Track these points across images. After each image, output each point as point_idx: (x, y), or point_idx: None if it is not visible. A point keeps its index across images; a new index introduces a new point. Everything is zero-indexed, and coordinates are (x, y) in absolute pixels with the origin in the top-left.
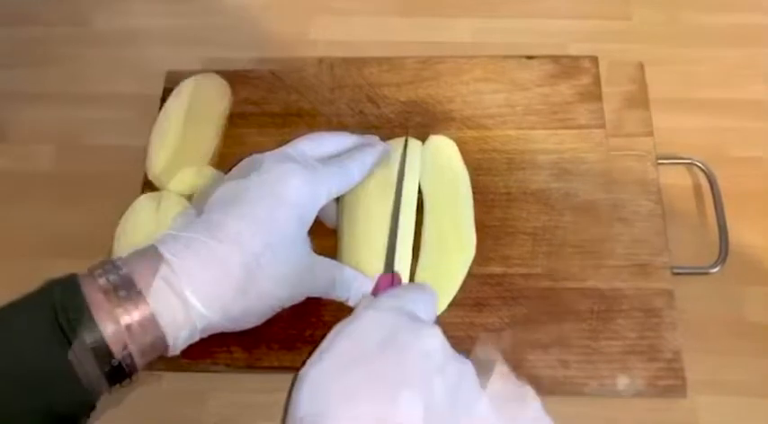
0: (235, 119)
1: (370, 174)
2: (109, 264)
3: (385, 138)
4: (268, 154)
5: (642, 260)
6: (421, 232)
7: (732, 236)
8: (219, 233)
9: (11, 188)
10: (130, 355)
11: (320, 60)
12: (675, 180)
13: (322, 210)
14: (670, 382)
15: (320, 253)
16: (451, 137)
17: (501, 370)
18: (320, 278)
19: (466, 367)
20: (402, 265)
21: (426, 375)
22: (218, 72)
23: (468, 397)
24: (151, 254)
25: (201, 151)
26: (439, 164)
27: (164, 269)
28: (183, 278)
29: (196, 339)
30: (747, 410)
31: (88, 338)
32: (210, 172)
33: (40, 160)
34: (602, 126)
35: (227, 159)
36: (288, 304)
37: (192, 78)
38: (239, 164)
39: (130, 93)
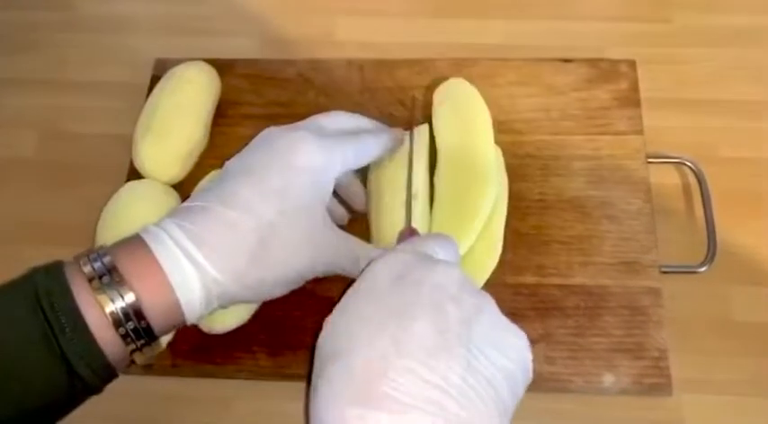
0: (263, 122)
1: (393, 158)
2: (93, 252)
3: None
4: (277, 127)
5: (630, 258)
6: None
7: (720, 236)
8: (232, 201)
9: None
10: (131, 331)
11: (349, 62)
12: (665, 178)
13: (349, 192)
14: (656, 380)
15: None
16: None
17: None
18: (342, 254)
19: (485, 302)
20: (420, 222)
21: (438, 303)
22: (206, 60)
23: (493, 332)
24: (136, 242)
25: (189, 140)
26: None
27: (177, 235)
28: (196, 244)
29: (214, 305)
30: (732, 409)
31: (70, 325)
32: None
33: (22, 147)
34: (641, 132)
35: None
36: (309, 275)
37: (181, 66)
38: (253, 140)
39: (116, 81)
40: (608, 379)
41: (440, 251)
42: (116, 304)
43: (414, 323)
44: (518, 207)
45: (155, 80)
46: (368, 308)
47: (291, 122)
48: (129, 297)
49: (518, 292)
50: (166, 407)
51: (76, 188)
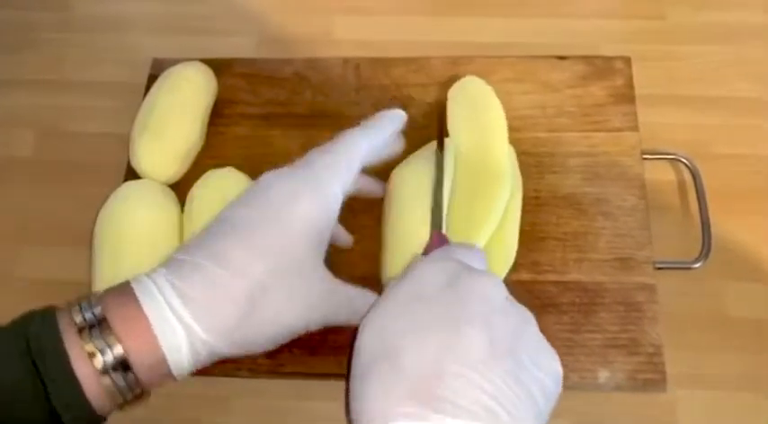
0: (260, 121)
1: (412, 161)
2: (85, 300)
3: (411, 140)
4: (274, 174)
5: (625, 254)
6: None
7: (715, 232)
8: (223, 259)
9: None
10: (117, 384)
11: (345, 61)
12: (660, 175)
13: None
14: (650, 376)
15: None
16: None
17: None
18: (340, 307)
19: (528, 317)
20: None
21: (487, 315)
22: (203, 60)
23: (533, 346)
24: (127, 293)
25: (186, 139)
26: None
27: (167, 291)
28: (185, 302)
29: (205, 363)
30: (727, 405)
31: (58, 374)
32: (234, 174)
33: (20, 146)
34: (636, 129)
35: (253, 161)
36: (304, 331)
37: (178, 66)
38: (247, 188)
39: (114, 81)
40: (603, 375)
41: (474, 262)
42: (104, 357)
43: (466, 331)
44: None
45: (152, 79)
46: (417, 312)
47: (288, 122)
48: (118, 350)
49: (513, 289)
50: (165, 405)
51: (74, 187)
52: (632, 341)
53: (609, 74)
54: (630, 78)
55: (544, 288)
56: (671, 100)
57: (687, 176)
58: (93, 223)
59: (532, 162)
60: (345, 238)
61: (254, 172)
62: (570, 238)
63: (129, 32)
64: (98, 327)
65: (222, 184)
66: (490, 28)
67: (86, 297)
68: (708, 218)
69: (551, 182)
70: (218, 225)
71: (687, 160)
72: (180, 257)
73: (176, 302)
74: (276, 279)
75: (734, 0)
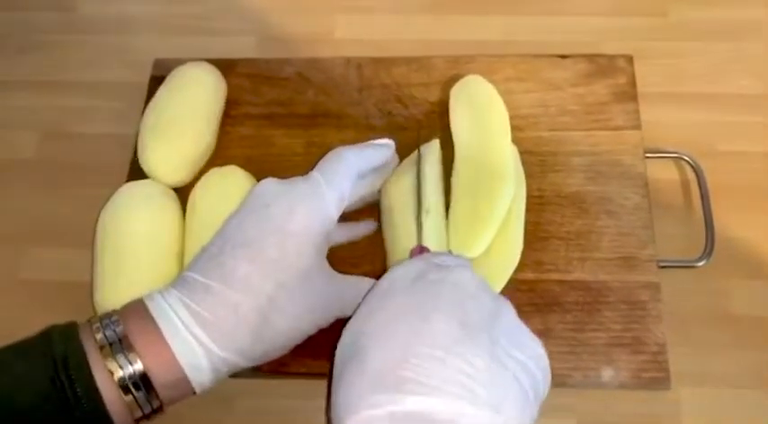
0: (263, 121)
1: (405, 171)
2: (105, 318)
3: (412, 141)
4: (273, 189)
5: (628, 253)
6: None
7: (718, 230)
8: (232, 279)
9: None
10: (138, 400)
11: (347, 60)
12: (663, 173)
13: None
14: (654, 374)
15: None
16: None
17: None
18: (349, 299)
19: (503, 303)
20: (433, 238)
21: (458, 301)
22: (206, 60)
23: (511, 330)
24: (144, 315)
25: (200, 143)
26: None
27: (184, 315)
28: (201, 325)
29: (226, 375)
30: (731, 403)
31: (83, 390)
32: (235, 172)
33: (23, 147)
34: (638, 127)
35: (256, 161)
36: (315, 330)
37: (186, 67)
38: (246, 198)
39: (116, 81)
40: (607, 374)
41: (452, 262)
42: (125, 373)
43: (435, 316)
44: None
45: (154, 80)
46: (385, 308)
47: (291, 121)
48: (138, 367)
49: (517, 288)
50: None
51: (77, 188)
52: (636, 340)
53: (611, 72)
54: (633, 76)
55: (548, 288)
56: (673, 98)
57: (690, 174)
58: (96, 224)
59: (535, 161)
60: (366, 229)
61: (257, 172)
62: (573, 237)
63: (132, 33)
64: (119, 344)
65: (224, 183)
66: (492, 27)
67: (107, 315)
68: (711, 216)
69: (554, 181)
70: (224, 243)
71: (690, 158)
72: (191, 276)
73: (195, 326)
74: (286, 292)
75: None
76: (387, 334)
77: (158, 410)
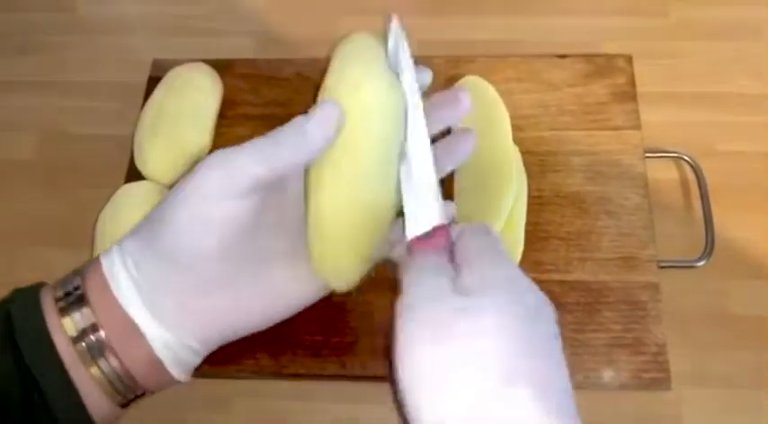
0: (262, 121)
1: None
2: (70, 277)
3: None
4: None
5: (628, 253)
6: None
7: (718, 230)
8: (177, 265)
9: None
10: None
11: None
12: (663, 173)
13: None
14: (655, 374)
15: None
16: None
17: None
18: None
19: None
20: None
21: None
22: (205, 60)
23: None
24: (97, 267)
25: (198, 144)
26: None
27: (125, 269)
28: (162, 323)
29: (198, 358)
30: (731, 403)
31: (43, 354)
32: None
33: (22, 148)
34: (638, 127)
35: None
36: (301, 293)
37: (184, 68)
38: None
39: (115, 82)
40: (607, 374)
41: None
42: (76, 323)
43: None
44: None
45: (152, 81)
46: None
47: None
48: (91, 319)
49: None
50: (168, 407)
51: (76, 189)
52: (636, 340)
53: (611, 72)
54: (632, 76)
55: (548, 288)
56: (673, 97)
57: (690, 174)
58: (94, 225)
59: (535, 161)
60: None
61: None
62: (573, 237)
63: (131, 34)
64: (77, 300)
65: None
66: (491, 27)
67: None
68: (711, 216)
69: (554, 181)
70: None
71: (690, 158)
72: (135, 256)
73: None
74: (229, 266)
75: None
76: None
77: (141, 396)
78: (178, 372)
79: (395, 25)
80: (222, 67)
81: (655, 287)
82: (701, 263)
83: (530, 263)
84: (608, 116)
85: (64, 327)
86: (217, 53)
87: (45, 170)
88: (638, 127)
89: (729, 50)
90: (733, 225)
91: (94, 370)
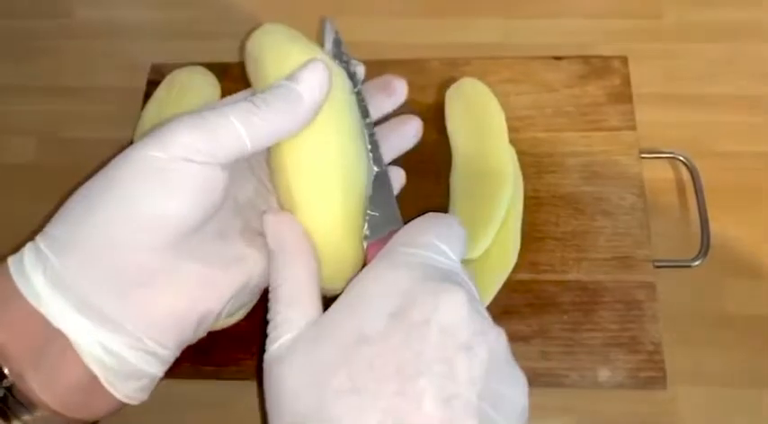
0: None
1: None
2: None
3: None
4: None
5: (624, 253)
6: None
7: (714, 230)
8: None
9: None
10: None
11: None
12: (658, 173)
13: None
14: (651, 374)
15: None
16: None
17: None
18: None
19: (495, 341)
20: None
21: (447, 358)
22: (201, 64)
23: (498, 384)
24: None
25: None
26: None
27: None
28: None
29: (159, 363)
30: (727, 402)
31: None
32: None
33: (19, 153)
34: (634, 128)
35: None
36: (244, 287)
37: (183, 71)
38: None
39: (113, 86)
40: (603, 373)
41: (445, 247)
42: None
43: (412, 391)
44: None
45: (150, 84)
46: (356, 362)
47: None
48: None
49: (513, 289)
50: (167, 408)
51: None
52: (632, 339)
53: (606, 73)
54: (628, 77)
55: (544, 288)
56: (668, 98)
57: (685, 174)
58: None
59: (531, 162)
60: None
61: None
62: (569, 237)
63: (128, 38)
64: None
65: None
66: (487, 29)
67: None
68: (706, 216)
69: (550, 182)
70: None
71: (685, 158)
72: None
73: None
74: (186, 243)
75: None
76: (364, 401)
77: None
78: (123, 389)
79: (329, 26)
80: (219, 70)
81: (651, 287)
82: (697, 263)
83: (526, 264)
84: (604, 117)
85: None
86: (214, 56)
87: (43, 174)
88: (633, 127)
89: (724, 51)
90: (728, 224)
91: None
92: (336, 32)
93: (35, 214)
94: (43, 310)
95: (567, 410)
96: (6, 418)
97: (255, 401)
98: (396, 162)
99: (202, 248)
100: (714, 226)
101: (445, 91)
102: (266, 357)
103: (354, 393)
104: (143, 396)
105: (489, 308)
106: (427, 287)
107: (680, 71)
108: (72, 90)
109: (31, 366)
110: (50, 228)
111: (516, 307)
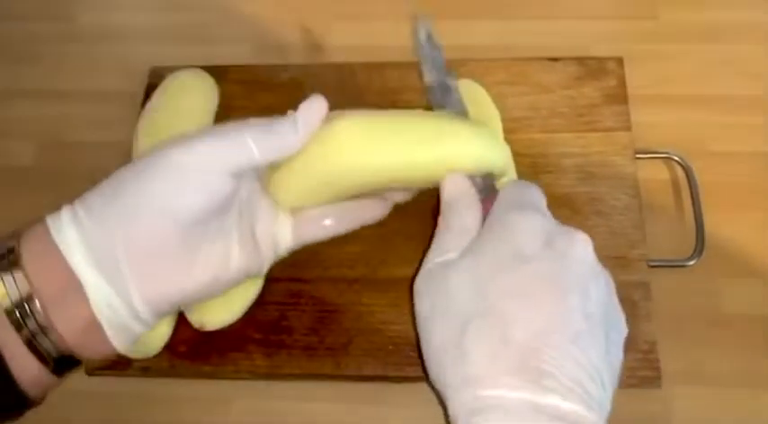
0: None
1: None
2: (4, 239)
3: None
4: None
5: (619, 253)
6: None
7: (708, 230)
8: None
9: None
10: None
11: (341, 66)
12: (653, 173)
13: None
14: (645, 373)
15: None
16: None
17: None
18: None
19: (610, 280)
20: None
21: (584, 282)
22: (200, 67)
23: (613, 315)
24: (39, 226)
25: None
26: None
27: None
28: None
29: (140, 326)
30: (722, 401)
31: None
32: None
33: (19, 156)
34: (629, 128)
35: None
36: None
37: (180, 73)
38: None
39: (113, 90)
40: None
41: (544, 207)
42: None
43: (569, 301)
44: None
45: (150, 88)
46: (519, 272)
47: None
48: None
49: None
50: (165, 408)
51: (75, 196)
52: (627, 339)
53: (601, 74)
54: (623, 78)
55: None
56: (663, 99)
57: (680, 174)
58: None
59: (527, 162)
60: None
61: None
62: None
63: (129, 42)
64: (9, 267)
65: None
66: (483, 31)
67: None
68: (701, 216)
69: (546, 182)
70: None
71: (680, 158)
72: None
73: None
74: (194, 234)
75: None
76: (528, 307)
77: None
78: (117, 339)
79: (422, 23)
80: (218, 73)
81: (645, 287)
82: (692, 262)
83: None
84: (599, 118)
85: None
86: (213, 60)
87: (44, 178)
88: (628, 128)
89: (719, 52)
90: (723, 224)
91: (24, 332)
92: (428, 28)
93: (33, 216)
94: (70, 259)
95: None
96: (34, 348)
97: (255, 401)
98: None
99: (199, 241)
100: (709, 226)
101: None
102: (431, 266)
103: (522, 296)
104: (130, 347)
105: None
106: (561, 229)
107: (675, 72)
108: (73, 93)
109: (56, 304)
110: (87, 197)
111: None
